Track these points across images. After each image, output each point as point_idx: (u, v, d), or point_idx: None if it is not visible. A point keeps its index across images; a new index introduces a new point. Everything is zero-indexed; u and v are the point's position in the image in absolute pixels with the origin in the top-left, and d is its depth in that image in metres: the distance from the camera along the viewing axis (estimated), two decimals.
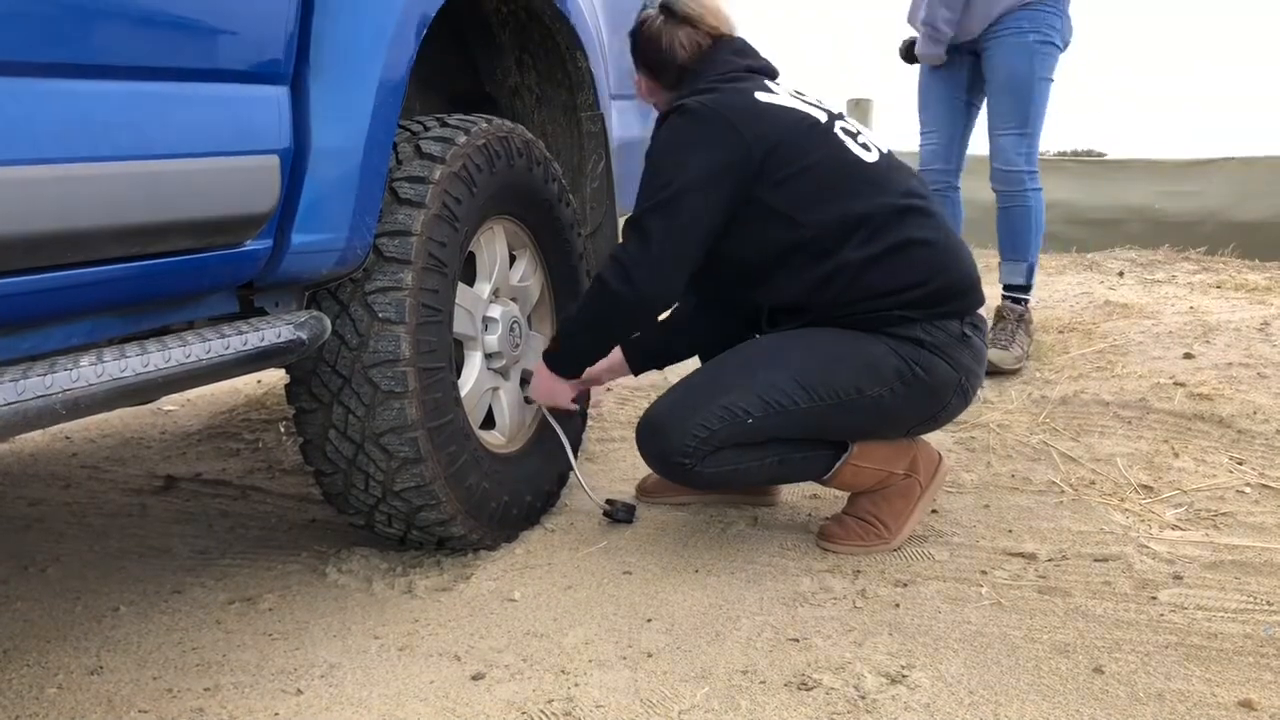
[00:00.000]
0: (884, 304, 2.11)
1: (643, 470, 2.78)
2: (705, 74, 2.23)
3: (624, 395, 3.48)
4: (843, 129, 2.22)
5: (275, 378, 3.79)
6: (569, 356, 2.32)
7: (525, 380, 2.47)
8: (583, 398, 2.61)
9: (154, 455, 3.20)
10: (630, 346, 2.43)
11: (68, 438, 3.40)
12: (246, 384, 3.94)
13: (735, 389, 2.08)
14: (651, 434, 2.13)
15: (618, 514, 2.43)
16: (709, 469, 2.09)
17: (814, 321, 2.16)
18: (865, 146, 2.21)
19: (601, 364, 2.40)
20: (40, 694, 1.72)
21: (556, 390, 2.37)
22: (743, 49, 2.30)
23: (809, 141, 2.15)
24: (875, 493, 2.24)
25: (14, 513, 2.68)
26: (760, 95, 2.17)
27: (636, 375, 2.51)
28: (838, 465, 2.20)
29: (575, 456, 2.57)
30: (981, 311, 2.24)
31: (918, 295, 2.12)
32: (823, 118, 2.20)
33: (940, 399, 2.18)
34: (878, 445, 2.22)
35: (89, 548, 2.40)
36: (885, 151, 2.25)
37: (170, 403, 3.79)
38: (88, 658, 1.84)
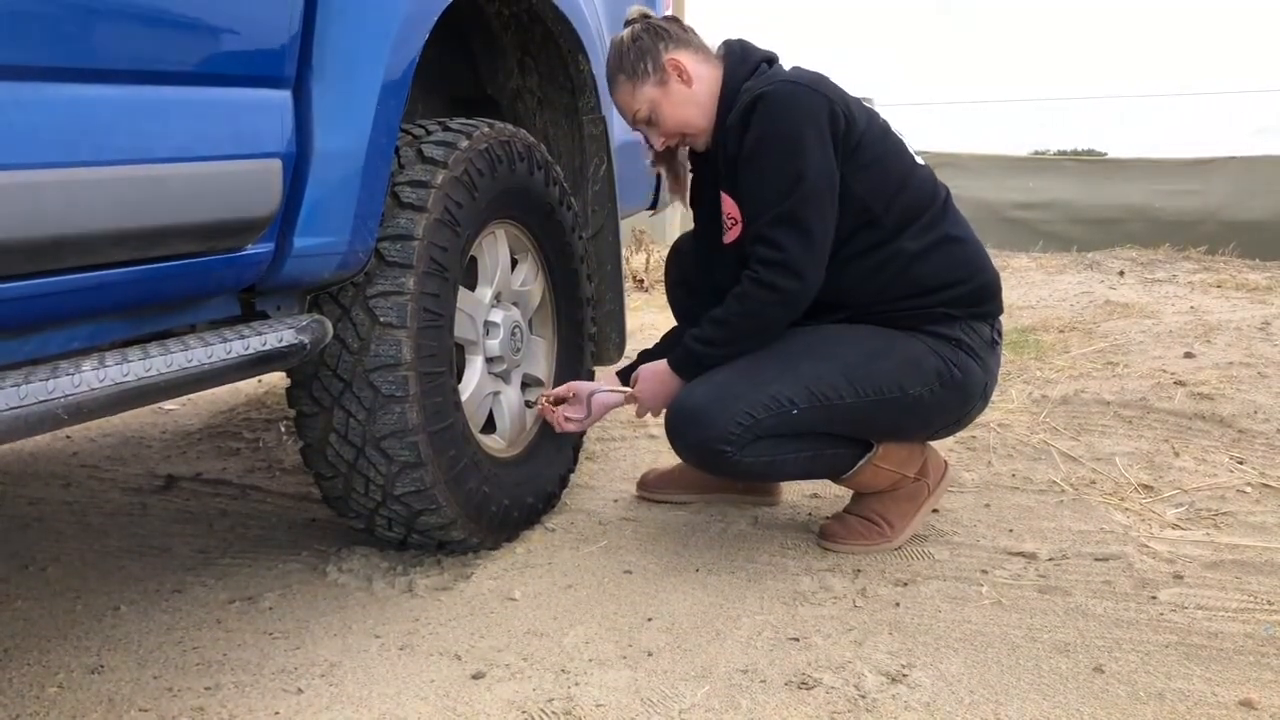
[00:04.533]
0: (930, 300, 2.13)
1: (643, 467, 2.78)
2: (745, 62, 2.20)
3: None
4: (895, 129, 2.25)
5: (276, 377, 3.79)
6: (711, 362, 2.14)
7: (526, 385, 2.47)
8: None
9: (154, 454, 3.20)
10: (627, 374, 2.36)
11: (68, 437, 3.40)
12: (247, 383, 3.94)
13: (782, 379, 2.06)
14: (690, 421, 2.08)
15: None
16: (748, 459, 2.07)
17: (852, 318, 2.16)
18: (908, 145, 2.24)
19: (605, 399, 2.34)
20: (41, 693, 1.72)
21: (669, 395, 2.21)
22: (747, 44, 2.28)
23: (883, 131, 2.17)
24: (884, 493, 2.25)
25: (14, 512, 2.68)
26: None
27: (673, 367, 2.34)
28: (860, 464, 2.20)
29: (576, 461, 2.58)
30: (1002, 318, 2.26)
31: (960, 293, 2.14)
32: (880, 117, 2.22)
33: (969, 401, 2.19)
34: (898, 447, 2.22)
35: (89, 547, 2.40)
36: (922, 159, 2.28)
37: (170, 402, 3.79)
38: (88, 656, 1.85)
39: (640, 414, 2.32)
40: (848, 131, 2.08)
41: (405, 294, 1.93)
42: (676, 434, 2.12)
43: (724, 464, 2.08)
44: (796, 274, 2.05)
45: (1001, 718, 1.57)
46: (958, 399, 2.17)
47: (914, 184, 2.16)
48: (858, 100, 2.18)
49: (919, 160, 2.23)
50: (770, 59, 2.23)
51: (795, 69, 2.19)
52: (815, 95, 2.07)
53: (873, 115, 2.18)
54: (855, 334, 2.14)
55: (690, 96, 2.17)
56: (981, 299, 2.18)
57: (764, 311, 2.09)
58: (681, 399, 2.12)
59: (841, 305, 2.16)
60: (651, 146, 2.28)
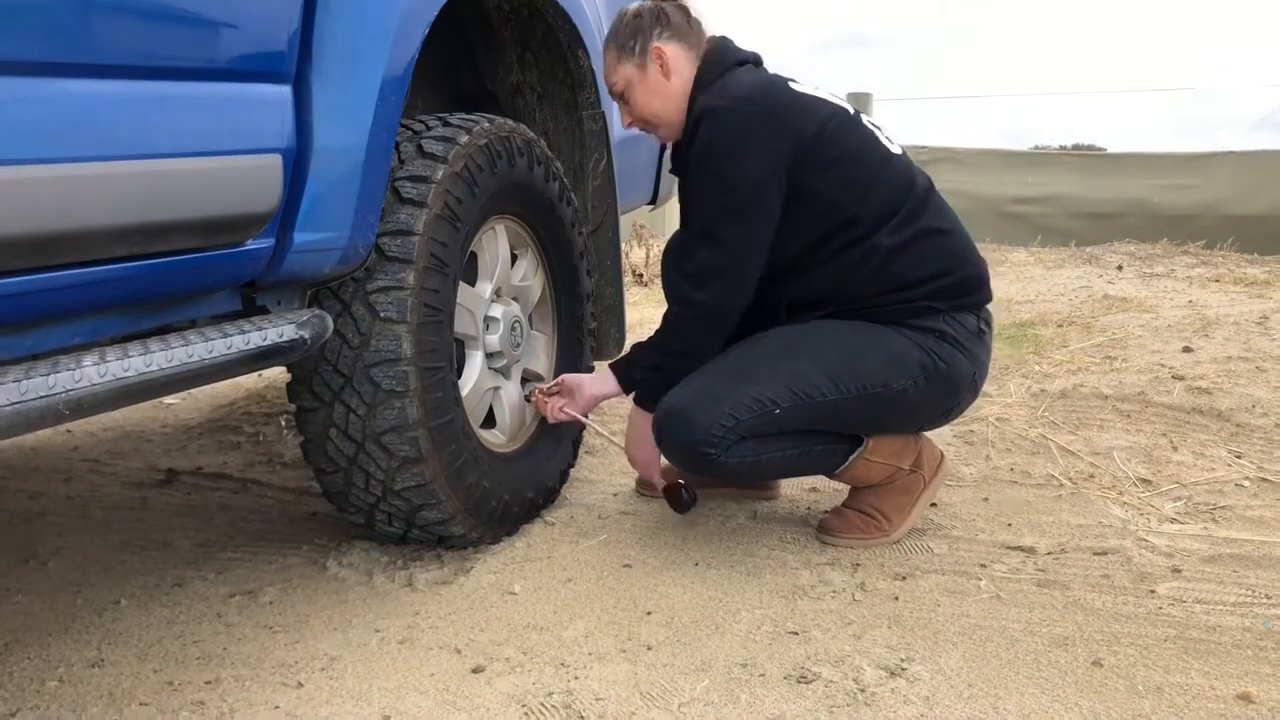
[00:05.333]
0: (912, 294, 2.12)
1: None
2: (710, 67, 2.21)
3: None
4: (869, 121, 2.25)
5: (276, 372, 3.79)
6: (660, 386, 2.18)
7: (526, 380, 2.47)
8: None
9: (155, 449, 3.20)
10: (620, 366, 2.36)
11: (68, 431, 3.40)
12: (247, 377, 3.94)
13: (763, 379, 2.07)
14: (675, 423, 2.10)
15: (681, 498, 2.37)
16: (733, 459, 2.08)
17: (834, 314, 2.16)
18: (888, 139, 2.24)
19: (594, 395, 2.37)
20: (42, 686, 1.72)
21: (598, 398, 2.36)
22: (728, 42, 2.29)
23: (848, 129, 2.16)
24: (879, 486, 2.25)
25: (15, 506, 2.68)
26: (792, 84, 2.18)
27: (628, 394, 2.38)
28: (852, 459, 2.20)
29: (576, 455, 2.58)
30: (990, 307, 2.26)
31: (943, 285, 2.13)
32: (850, 110, 2.22)
33: (956, 393, 2.19)
34: (889, 440, 2.23)
35: (90, 541, 2.40)
36: (902, 148, 2.27)
37: (171, 396, 3.79)
38: (89, 650, 1.85)
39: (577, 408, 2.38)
40: (798, 138, 2.07)
41: (405, 289, 1.93)
42: (662, 437, 2.15)
43: (710, 466, 2.09)
44: (706, 287, 2.11)
45: (1000, 711, 1.57)
46: (944, 391, 2.17)
47: (889, 177, 2.16)
48: (819, 98, 2.18)
49: (895, 150, 2.22)
50: (744, 60, 2.24)
51: (756, 76, 2.18)
52: (757, 110, 2.07)
53: (835, 112, 2.16)
54: (837, 331, 2.15)
55: (663, 88, 2.21)
56: (966, 290, 2.17)
57: (683, 327, 2.17)
58: (666, 403, 2.13)
59: (823, 303, 2.18)
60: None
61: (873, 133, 2.21)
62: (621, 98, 2.27)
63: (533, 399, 2.42)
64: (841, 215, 2.11)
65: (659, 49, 2.19)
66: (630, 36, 2.21)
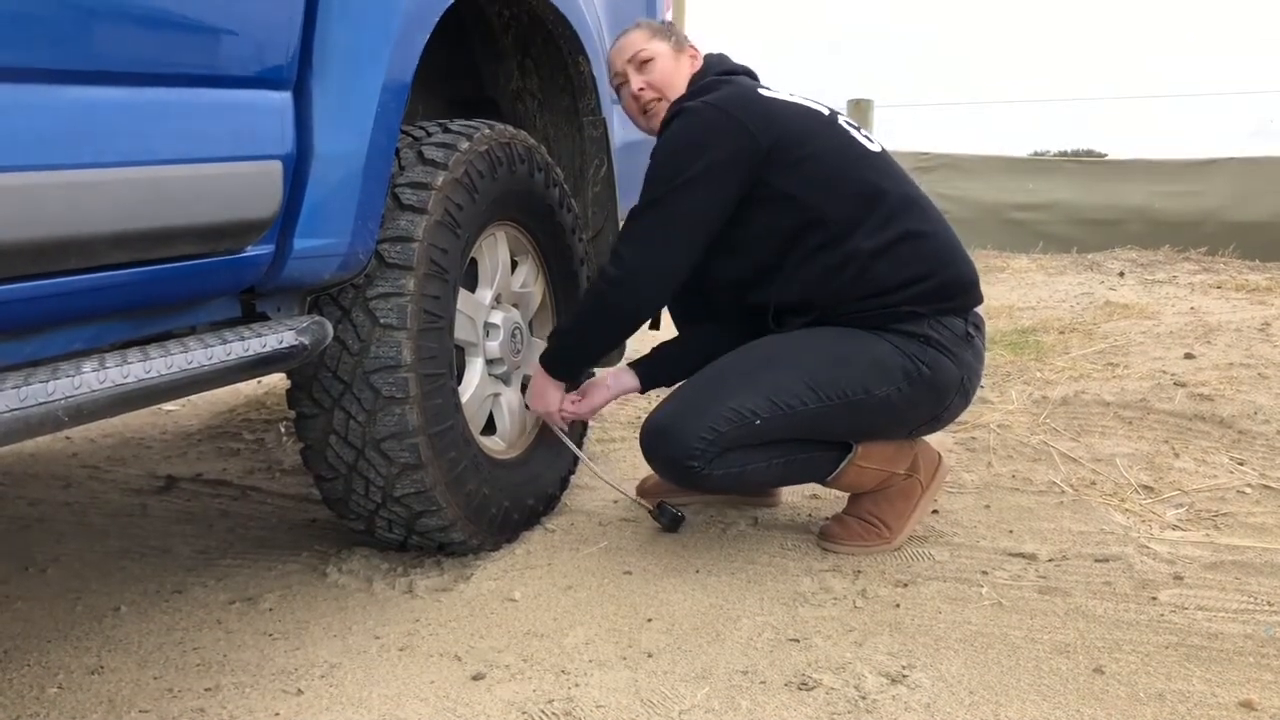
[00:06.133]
0: (892, 299, 2.12)
1: (644, 470, 2.78)
2: (698, 78, 2.28)
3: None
4: (845, 122, 2.27)
5: (276, 378, 3.79)
6: (563, 358, 2.32)
7: (526, 386, 2.47)
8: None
9: (154, 455, 3.20)
10: (641, 364, 2.44)
11: (68, 437, 3.40)
12: (247, 384, 3.94)
13: (743, 390, 2.07)
14: (659, 438, 2.12)
15: (664, 518, 2.40)
16: (717, 471, 2.08)
17: (820, 320, 2.16)
18: (868, 138, 2.25)
19: (609, 387, 2.41)
20: (41, 693, 1.72)
21: (549, 396, 2.36)
22: (724, 58, 2.37)
23: (815, 129, 2.18)
24: (876, 493, 2.25)
25: (14, 513, 2.68)
26: (762, 90, 2.22)
27: (644, 392, 2.50)
28: (842, 466, 2.20)
29: (576, 462, 2.58)
30: (979, 310, 2.25)
31: (924, 289, 2.13)
32: (825, 111, 2.25)
33: (944, 398, 2.18)
34: (881, 446, 2.22)
35: (89, 548, 2.40)
36: (883, 148, 2.27)
37: (170, 403, 3.79)
38: (88, 657, 1.85)
39: (530, 405, 2.43)
40: (755, 144, 2.10)
41: (405, 296, 1.93)
42: (648, 452, 2.16)
43: (695, 478, 2.10)
44: (620, 261, 2.15)
45: (1001, 718, 1.57)
46: (931, 396, 2.16)
47: (862, 175, 2.17)
48: (790, 104, 2.22)
49: (873, 149, 2.24)
50: (732, 71, 2.31)
51: (733, 85, 2.23)
52: (718, 113, 2.13)
53: (805, 115, 2.20)
54: (818, 339, 2.15)
55: (681, 76, 2.32)
56: (950, 294, 2.16)
57: (592, 302, 2.24)
58: (651, 418, 2.15)
59: (807, 308, 2.18)
60: (628, 96, 2.39)
61: (847, 133, 2.23)
62: (641, 65, 2.32)
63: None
64: (811, 214, 2.13)
65: (695, 49, 2.36)
66: (668, 30, 2.38)
